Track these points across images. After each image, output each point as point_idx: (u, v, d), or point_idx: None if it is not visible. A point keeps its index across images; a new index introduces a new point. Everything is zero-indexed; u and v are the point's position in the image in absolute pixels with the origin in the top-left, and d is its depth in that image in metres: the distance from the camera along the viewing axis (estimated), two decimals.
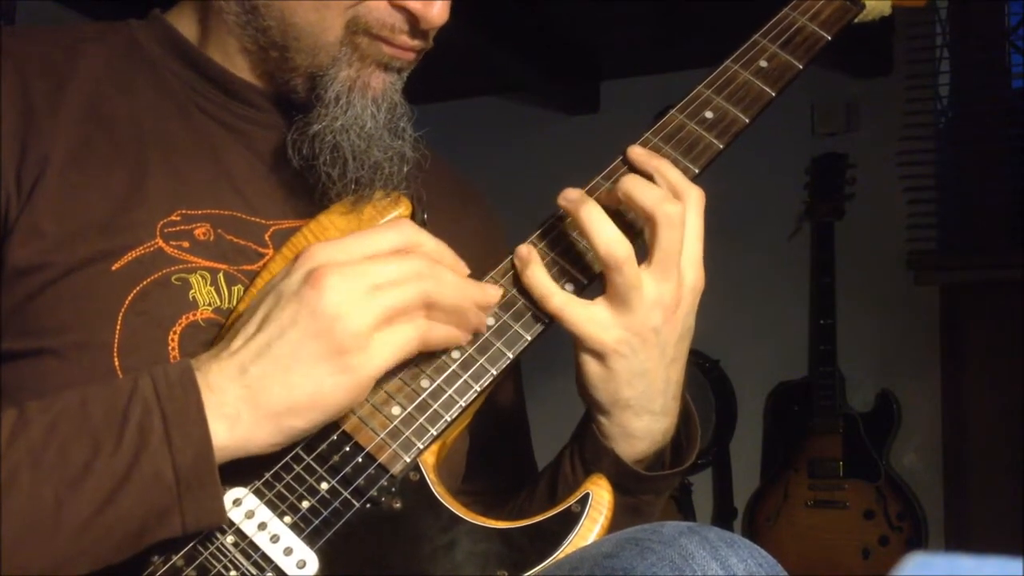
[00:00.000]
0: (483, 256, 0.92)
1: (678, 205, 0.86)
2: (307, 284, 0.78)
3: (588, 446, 0.92)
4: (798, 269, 3.06)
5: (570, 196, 0.88)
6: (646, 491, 0.92)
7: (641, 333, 0.86)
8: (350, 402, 0.79)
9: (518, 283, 0.88)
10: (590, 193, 0.90)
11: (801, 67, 0.98)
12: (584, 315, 0.87)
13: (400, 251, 0.82)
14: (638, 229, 0.89)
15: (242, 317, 0.82)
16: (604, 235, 0.85)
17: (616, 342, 0.86)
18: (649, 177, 0.89)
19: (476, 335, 0.86)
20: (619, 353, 0.87)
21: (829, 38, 1.00)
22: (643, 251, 0.88)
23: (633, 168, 0.91)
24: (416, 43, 0.91)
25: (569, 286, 0.88)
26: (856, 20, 1.04)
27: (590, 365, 0.88)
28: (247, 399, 0.76)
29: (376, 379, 0.79)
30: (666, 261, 0.86)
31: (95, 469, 0.72)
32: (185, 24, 0.97)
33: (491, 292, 0.85)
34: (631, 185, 0.87)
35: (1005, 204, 2.96)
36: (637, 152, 0.91)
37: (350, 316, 0.77)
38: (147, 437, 0.73)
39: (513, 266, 0.89)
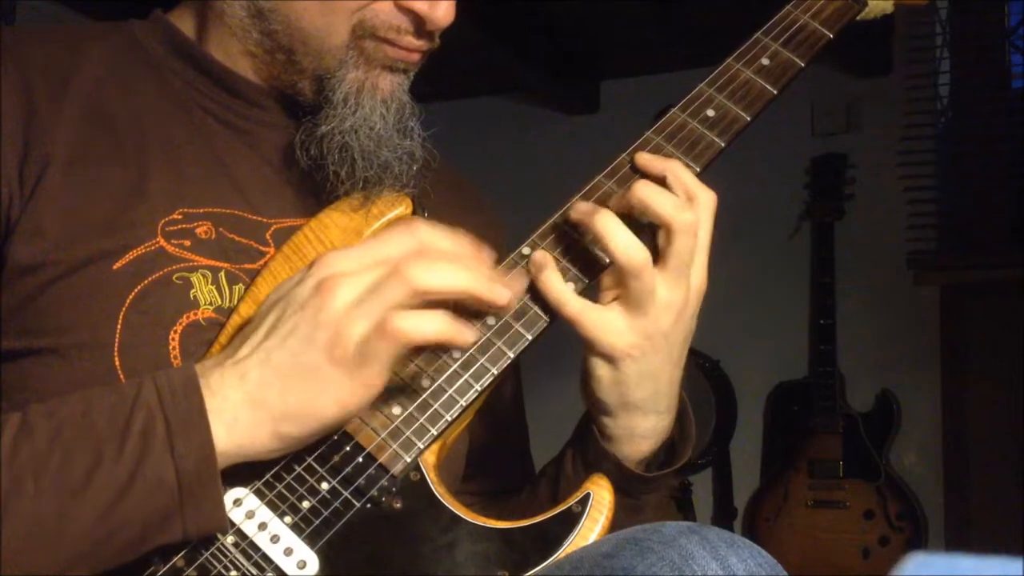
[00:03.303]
0: None
1: (694, 213, 0.86)
2: (316, 294, 0.77)
3: (590, 449, 0.92)
4: (798, 269, 3.06)
5: (583, 208, 0.87)
6: (646, 491, 0.92)
7: (652, 337, 0.86)
8: (347, 412, 0.78)
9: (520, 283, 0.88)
10: (593, 192, 0.90)
11: (803, 65, 0.98)
12: (599, 320, 0.86)
13: (415, 254, 0.80)
14: (644, 224, 0.88)
15: (252, 322, 0.81)
16: (622, 243, 0.84)
17: (628, 346, 0.86)
18: (661, 179, 0.88)
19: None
20: (631, 356, 0.86)
21: (831, 36, 1.00)
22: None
23: (642, 173, 0.90)
24: (421, 44, 0.91)
25: (571, 285, 0.88)
26: (858, 18, 1.04)
27: (600, 369, 0.88)
28: (245, 403, 0.76)
29: (378, 389, 0.78)
30: (680, 267, 0.86)
31: (98, 477, 0.72)
32: (187, 24, 0.96)
33: (501, 293, 0.82)
34: (646, 193, 0.86)
35: (1005, 204, 2.96)
36: (646, 157, 0.91)
37: (350, 327, 0.76)
38: (150, 443, 0.73)
39: (515, 266, 0.89)
